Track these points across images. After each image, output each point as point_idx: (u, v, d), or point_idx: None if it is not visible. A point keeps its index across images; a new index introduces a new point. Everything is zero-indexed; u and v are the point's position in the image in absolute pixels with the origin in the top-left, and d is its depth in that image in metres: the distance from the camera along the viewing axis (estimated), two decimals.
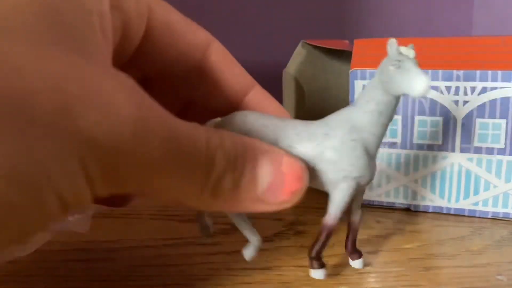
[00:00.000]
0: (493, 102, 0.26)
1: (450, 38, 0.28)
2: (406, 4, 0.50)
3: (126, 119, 0.12)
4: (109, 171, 0.12)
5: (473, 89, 0.26)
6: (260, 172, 0.15)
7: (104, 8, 0.14)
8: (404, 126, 0.27)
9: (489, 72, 0.25)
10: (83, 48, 0.13)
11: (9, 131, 0.11)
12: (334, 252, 0.23)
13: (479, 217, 0.27)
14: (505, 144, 0.26)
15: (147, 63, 0.18)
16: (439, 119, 0.27)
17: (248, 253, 0.20)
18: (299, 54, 0.32)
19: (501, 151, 0.26)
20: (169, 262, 0.22)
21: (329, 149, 0.18)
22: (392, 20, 0.50)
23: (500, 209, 0.27)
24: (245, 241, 0.21)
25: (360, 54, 0.29)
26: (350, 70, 0.28)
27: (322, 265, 0.19)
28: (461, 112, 0.26)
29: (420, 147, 0.27)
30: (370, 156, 0.19)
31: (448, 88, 0.26)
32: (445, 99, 0.26)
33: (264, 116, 0.19)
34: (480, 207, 0.27)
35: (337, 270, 0.21)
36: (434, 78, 0.26)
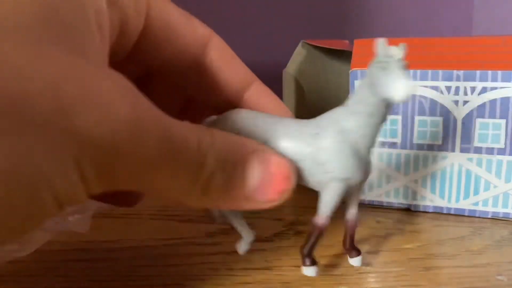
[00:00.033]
0: (493, 102, 0.26)
1: (450, 38, 0.28)
2: (406, 4, 0.50)
3: (123, 120, 0.12)
4: (104, 170, 0.12)
5: (473, 89, 0.26)
6: (249, 172, 0.15)
7: (102, 5, 0.14)
8: (404, 126, 0.27)
9: (489, 72, 0.25)
10: (81, 47, 0.13)
11: (8, 131, 0.11)
12: (333, 252, 0.23)
13: (479, 217, 0.27)
14: (505, 144, 0.26)
15: (145, 59, 0.18)
16: (439, 119, 0.27)
17: (242, 247, 0.21)
18: (299, 54, 0.32)
19: (501, 151, 0.26)
20: (169, 262, 0.22)
21: (318, 149, 0.18)
22: (392, 20, 0.50)
23: (500, 209, 0.27)
24: None
25: (360, 54, 0.29)
26: (350, 70, 0.28)
27: (313, 262, 0.19)
28: (461, 112, 0.26)
29: (420, 147, 0.27)
30: (361, 157, 0.18)
31: (448, 88, 0.26)
32: (445, 99, 0.26)
33: (257, 114, 0.19)
34: (480, 207, 0.27)
35: (337, 270, 0.21)
36: (434, 78, 0.26)
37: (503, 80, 0.25)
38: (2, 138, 0.11)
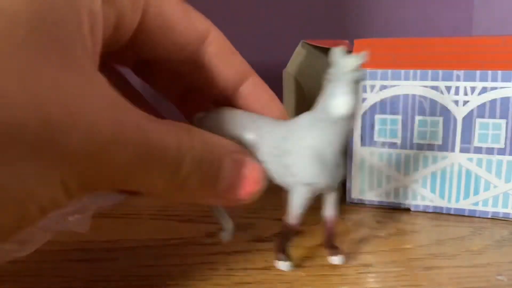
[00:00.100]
0: (493, 102, 0.26)
1: (450, 38, 0.28)
2: (406, 4, 0.50)
3: (105, 140, 0.13)
4: (87, 181, 0.13)
5: (473, 89, 0.26)
6: (222, 173, 0.16)
7: (96, 5, 0.15)
8: (404, 126, 0.27)
9: (489, 72, 0.25)
10: (70, 56, 0.13)
11: None
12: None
13: (479, 217, 0.27)
14: (505, 144, 0.26)
15: (142, 50, 0.18)
16: (439, 119, 0.27)
17: (225, 237, 0.22)
18: (299, 54, 0.32)
19: (501, 151, 0.26)
20: (169, 262, 0.22)
21: (284, 153, 0.18)
22: (392, 20, 0.50)
23: (500, 209, 0.27)
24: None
25: None
26: None
27: (287, 258, 0.20)
28: (461, 112, 0.26)
29: (420, 147, 0.27)
30: (326, 163, 0.18)
31: (448, 88, 0.26)
32: (445, 99, 0.26)
33: (240, 114, 0.20)
34: (480, 207, 0.27)
35: (337, 270, 0.21)
36: (434, 78, 0.26)
37: (503, 80, 0.25)
38: None
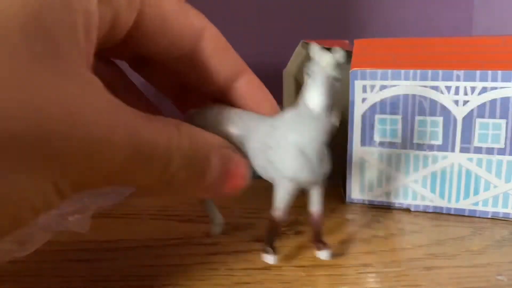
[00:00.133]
0: (493, 102, 0.26)
1: (450, 38, 0.28)
2: (406, 4, 0.50)
3: (99, 139, 0.13)
4: (78, 181, 0.14)
5: (473, 89, 0.26)
6: (210, 169, 0.17)
7: (91, 4, 0.15)
8: (404, 126, 0.27)
9: (489, 72, 0.25)
10: (64, 58, 0.13)
11: None
12: (334, 252, 0.23)
13: (479, 217, 0.27)
14: (505, 144, 0.26)
15: (138, 47, 0.19)
16: (439, 119, 0.27)
17: (215, 230, 0.23)
18: (299, 54, 0.32)
19: (501, 151, 0.26)
20: (169, 262, 0.22)
21: (268, 148, 0.19)
22: (392, 20, 0.50)
23: (500, 209, 0.27)
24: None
25: (360, 54, 0.29)
26: (350, 70, 0.28)
27: (274, 251, 0.20)
28: (461, 112, 0.26)
29: (420, 147, 0.27)
30: (309, 159, 0.18)
31: (448, 88, 0.26)
32: (445, 99, 0.26)
33: (228, 111, 0.20)
34: (480, 207, 0.27)
35: (337, 270, 0.21)
36: (434, 78, 0.26)
37: (503, 80, 0.25)
38: None
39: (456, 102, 0.26)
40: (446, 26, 0.50)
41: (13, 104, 0.12)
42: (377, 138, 0.28)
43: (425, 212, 0.28)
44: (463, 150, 0.27)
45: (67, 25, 0.14)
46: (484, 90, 0.26)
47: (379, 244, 0.24)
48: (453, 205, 0.28)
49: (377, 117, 0.28)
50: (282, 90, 0.33)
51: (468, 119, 0.26)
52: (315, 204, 0.21)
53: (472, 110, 0.26)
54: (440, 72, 0.26)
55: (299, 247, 0.24)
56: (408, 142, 0.28)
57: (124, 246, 0.24)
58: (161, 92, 0.23)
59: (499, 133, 0.26)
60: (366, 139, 0.28)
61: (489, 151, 0.26)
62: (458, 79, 0.26)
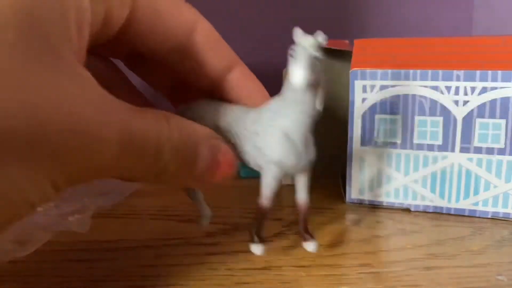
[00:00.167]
0: (493, 102, 0.26)
1: (450, 38, 0.28)
2: (406, 4, 0.50)
3: (92, 134, 0.14)
4: (73, 175, 0.14)
5: (473, 89, 0.26)
6: (199, 159, 0.17)
7: (84, 3, 0.15)
8: (404, 126, 0.27)
9: (489, 72, 0.25)
10: (57, 55, 0.14)
11: None
12: (334, 252, 0.23)
13: (479, 217, 0.27)
14: (505, 144, 0.26)
15: (131, 42, 0.19)
16: (439, 119, 0.27)
17: (203, 222, 0.23)
18: None
19: (501, 151, 0.26)
20: (169, 262, 0.22)
21: (254, 134, 0.19)
22: (392, 20, 0.50)
23: (500, 209, 0.27)
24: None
25: (360, 54, 0.29)
26: (350, 70, 0.28)
27: (261, 241, 0.20)
28: (461, 112, 0.26)
29: (420, 147, 0.27)
30: (294, 143, 0.19)
31: (448, 88, 0.26)
32: (445, 99, 0.26)
33: (217, 104, 0.21)
34: (480, 207, 0.27)
35: (337, 270, 0.21)
36: (434, 78, 0.26)
37: (503, 80, 0.25)
38: None
39: (456, 102, 0.26)
40: (446, 26, 0.50)
41: (8, 103, 0.12)
42: (377, 138, 0.28)
43: (425, 212, 0.28)
44: (463, 150, 0.27)
45: (59, 22, 0.14)
46: (484, 90, 0.26)
47: (379, 244, 0.24)
48: (453, 205, 0.28)
49: (377, 117, 0.28)
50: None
51: (468, 119, 0.26)
52: (301, 192, 0.21)
53: (472, 110, 0.26)
54: (440, 72, 0.26)
55: (299, 247, 0.24)
56: (408, 142, 0.28)
57: (124, 246, 0.24)
58: (156, 89, 0.23)
59: (499, 133, 0.26)
60: (366, 139, 0.28)
61: (489, 151, 0.26)
62: (458, 79, 0.26)
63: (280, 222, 0.27)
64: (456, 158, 0.27)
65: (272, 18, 0.48)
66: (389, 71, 0.27)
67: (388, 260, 0.22)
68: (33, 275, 0.21)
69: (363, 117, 0.28)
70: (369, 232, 0.26)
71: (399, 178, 0.28)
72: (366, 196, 0.29)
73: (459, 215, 0.28)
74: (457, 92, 0.26)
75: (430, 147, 0.27)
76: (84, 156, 0.14)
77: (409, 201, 0.29)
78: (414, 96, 0.27)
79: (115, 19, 0.17)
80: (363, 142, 0.28)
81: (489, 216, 0.27)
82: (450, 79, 0.26)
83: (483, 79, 0.25)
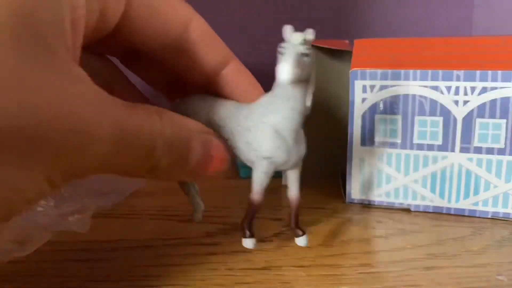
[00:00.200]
0: (493, 102, 0.26)
1: (450, 38, 0.28)
2: (406, 4, 0.50)
3: (87, 132, 0.14)
4: (69, 172, 0.14)
5: (473, 89, 0.26)
6: (191, 153, 0.18)
7: (78, 1, 0.15)
8: (404, 126, 0.27)
9: (489, 72, 0.25)
10: (52, 54, 0.14)
11: None
12: (334, 252, 0.23)
13: (479, 217, 0.27)
14: (505, 144, 0.26)
15: (127, 38, 0.19)
16: (439, 119, 0.27)
17: (197, 217, 0.23)
18: None
19: (501, 151, 0.26)
20: (169, 262, 0.22)
21: (246, 130, 0.19)
22: (392, 20, 0.50)
23: (500, 209, 0.27)
24: None
25: (360, 54, 0.29)
26: (350, 70, 0.28)
27: (252, 235, 0.20)
28: (461, 112, 0.26)
29: (420, 147, 0.27)
30: (283, 139, 0.19)
31: (448, 88, 0.26)
32: (445, 99, 0.26)
33: (210, 99, 0.21)
34: (480, 207, 0.27)
35: (337, 270, 0.21)
36: (434, 78, 0.26)
37: (503, 80, 0.25)
38: None
39: (456, 102, 0.26)
40: (446, 26, 0.50)
41: (5, 103, 0.12)
42: (377, 138, 0.28)
43: (425, 212, 0.28)
44: (463, 150, 0.27)
45: (55, 21, 0.14)
46: (484, 90, 0.26)
47: (379, 244, 0.24)
48: (453, 205, 0.28)
49: (378, 117, 0.28)
50: None
51: (468, 119, 0.26)
52: (292, 187, 0.22)
53: (472, 110, 0.26)
54: (440, 72, 0.26)
55: (299, 247, 0.24)
56: (408, 142, 0.28)
57: (124, 246, 0.24)
58: (152, 86, 0.23)
59: (499, 133, 0.26)
60: (366, 139, 0.28)
61: (489, 151, 0.26)
62: (458, 79, 0.26)
63: (280, 222, 0.27)
64: (456, 158, 0.27)
65: (272, 18, 0.48)
66: (389, 71, 0.27)
67: (388, 260, 0.22)
68: (33, 275, 0.21)
69: (363, 117, 0.28)
70: (369, 232, 0.26)
71: (399, 178, 0.28)
72: (366, 196, 0.29)
73: (459, 215, 0.28)
74: (457, 92, 0.26)
75: (430, 147, 0.27)
76: (79, 153, 0.14)
77: (409, 201, 0.29)
78: (414, 96, 0.27)
79: (111, 16, 0.17)
80: (363, 142, 0.28)
81: (489, 216, 0.27)
82: (450, 79, 0.26)
83: (483, 79, 0.25)
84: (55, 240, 0.24)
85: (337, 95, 0.33)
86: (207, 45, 0.20)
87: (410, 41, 0.29)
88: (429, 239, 0.25)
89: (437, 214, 0.28)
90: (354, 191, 0.29)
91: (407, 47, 0.28)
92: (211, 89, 0.21)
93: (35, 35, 0.13)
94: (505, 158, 0.26)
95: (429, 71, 0.26)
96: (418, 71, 0.27)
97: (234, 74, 0.21)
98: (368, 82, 0.27)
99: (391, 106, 0.27)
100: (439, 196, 0.28)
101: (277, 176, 0.22)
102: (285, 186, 0.23)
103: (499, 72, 0.25)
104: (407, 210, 0.29)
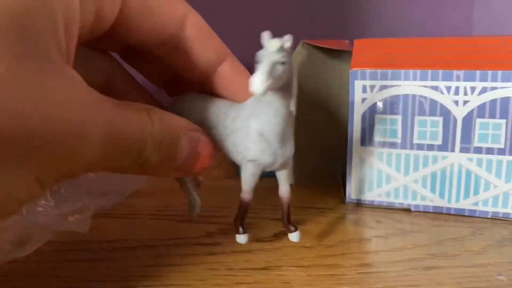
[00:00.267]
0: (493, 102, 0.26)
1: (450, 38, 0.28)
2: (406, 4, 0.50)
3: (78, 135, 0.14)
4: (59, 173, 0.15)
5: (473, 89, 0.26)
6: (179, 150, 0.18)
7: (72, 3, 0.15)
8: (404, 126, 0.27)
9: (489, 72, 0.25)
10: (44, 57, 0.14)
11: None
12: (334, 252, 0.23)
13: (479, 217, 0.27)
14: (505, 144, 0.26)
15: (123, 36, 0.19)
16: (439, 119, 0.27)
17: (195, 212, 0.24)
18: (299, 54, 0.32)
19: (501, 151, 0.26)
20: (169, 262, 0.22)
21: (231, 132, 0.20)
22: (392, 20, 0.50)
23: (500, 209, 0.27)
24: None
25: (360, 54, 0.29)
26: (350, 70, 0.28)
27: (245, 231, 0.21)
28: (461, 112, 0.26)
29: (420, 147, 0.27)
30: (268, 142, 0.19)
31: (448, 88, 0.26)
32: (445, 99, 0.26)
33: (204, 98, 0.21)
34: (480, 207, 0.27)
35: (337, 270, 0.21)
36: (434, 78, 0.26)
37: (503, 80, 0.25)
38: None
39: (456, 102, 0.26)
40: (446, 26, 0.50)
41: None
42: (377, 138, 0.28)
43: (425, 212, 0.28)
44: (463, 150, 0.27)
45: (46, 25, 0.14)
46: (484, 90, 0.26)
47: (379, 244, 0.24)
48: (453, 205, 0.28)
49: (377, 117, 0.28)
50: None
51: (468, 119, 0.26)
52: (283, 186, 0.22)
53: (472, 110, 0.26)
54: (440, 72, 0.26)
55: (299, 247, 0.24)
56: (408, 142, 0.28)
57: (124, 246, 0.24)
58: (153, 82, 0.23)
59: (499, 133, 0.26)
60: (366, 139, 0.28)
61: (489, 151, 0.26)
62: (458, 79, 0.26)
63: (280, 222, 0.27)
64: (456, 158, 0.27)
65: (272, 18, 0.48)
66: (389, 71, 0.27)
67: (388, 260, 0.22)
68: (33, 275, 0.21)
69: (363, 117, 0.28)
70: (369, 232, 0.26)
71: (399, 178, 0.28)
72: (366, 196, 0.29)
73: (459, 215, 0.28)
74: (457, 92, 0.26)
75: (430, 147, 0.27)
76: (70, 155, 0.14)
77: (409, 201, 0.29)
78: (414, 96, 0.27)
79: (107, 15, 0.17)
80: (363, 142, 0.28)
81: (489, 216, 0.27)
82: (450, 79, 0.26)
83: (483, 79, 0.25)
84: (55, 240, 0.24)
85: (337, 95, 0.33)
86: (203, 42, 0.20)
87: (410, 41, 0.29)
88: (429, 239, 0.25)
89: (437, 214, 0.28)
90: (354, 191, 0.29)
91: (407, 47, 0.28)
92: (207, 86, 0.21)
93: (27, 39, 0.13)
94: (505, 158, 0.26)
95: (429, 71, 0.26)
96: (418, 71, 0.27)
97: (230, 71, 0.21)
98: (368, 82, 0.27)
99: (391, 106, 0.27)
100: (439, 196, 0.28)
101: (274, 176, 0.22)
102: None
103: (499, 72, 0.25)
104: (407, 210, 0.29)
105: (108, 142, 0.15)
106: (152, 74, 0.23)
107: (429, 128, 0.27)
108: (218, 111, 0.20)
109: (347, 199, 0.30)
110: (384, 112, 0.28)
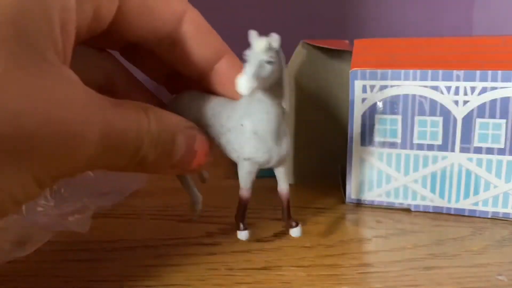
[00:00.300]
0: (493, 102, 0.26)
1: (450, 38, 0.28)
2: (406, 4, 0.50)
3: (75, 135, 0.14)
4: (57, 173, 0.15)
5: (473, 89, 0.26)
6: (176, 148, 0.18)
7: (69, 3, 0.15)
8: (404, 126, 0.27)
9: (489, 72, 0.25)
10: (41, 58, 0.14)
11: None
12: (334, 252, 0.23)
13: (479, 217, 0.27)
14: (505, 144, 0.26)
15: (122, 34, 0.19)
16: (439, 119, 0.27)
17: (197, 208, 0.24)
18: (299, 54, 0.32)
19: (501, 151, 0.26)
20: (169, 262, 0.22)
21: (226, 130, 0.20)
22: (392, 20, 0.50)
23: (500, 209, 0.27)
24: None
25: (360, 54, 0.29)
26: (350, 70, 0.28)
27: (245, 228, 0.21)
28: (461, 112, 0.26)
29: (420, 147, 0.27)
30: (262, 140, 0.19)
31: (448, 88, 0.26)
32: (445, 99, 0.26)
33: (202, 97, 0.21)
34: (480, 207, 0.27)
35: (337, 270, 0.21)
36: (434, 78, 0.26)
37: (503, 80, 0.25)
38: None
39: (456, 102, 0.26)
40: (446, 26, 0.50)
41: None
42: (377, 138, 0.28)
43: (425, 212, 0.28)
44: (463, 150, 0.27)
45: (43, 25, 0.14)
46: (484, 90, 0.26)
47: (379, 244, 0.24)
48: (453, 205, 0.28)
49: (377, 117, 0.28)
50: None
51: (468, 119, 0.26)
52: (281, 182, 0.22)
53: (472, 110, 0.26)
54: (440, 72, 0.26)
55: (299, 247, 0.24)
56: (408, 142, 0.28)
57: (124, 246, 0.24)
58: (153, 79, 0.23)
59: (499, 133, 0.26)
60: (366, 139, 0.28)
61: (489, 151, 0.26)
62: (458, 79, 0.26)
63: (280, 222, 0.27)
64: (456, 158, 0.27)
65: (272, 18, 0.48)
66: (389, 71, 0.27)
67: (388, 260, 0.22)
68: (33, 275, 0.21)
69: (363, 117, 0.28)
70: (369, 232, 0.26)
71: (399, 178, 0.28)
72: (366, 196, 0.29)
73: (459, 215, 0.28)
74: (457, 92, 0.26)
75: (430, 147, 0.27)
76: (68, 155, 0.14)
77: (409, 201, 0.29)
78: (414, 96, 0.27)
79: (105, 14, 0.17)
80: (363, 142, 0.28)
81: (489, 216, 0.27)
82: (450, 79, 0.26)
83: (483, 79, 0.25)
84: (55, 240, 0.24)
85: (337, 95, 0.33)
86: (201, 39, 0.20)
87: (410, 41, 0.29)
88: (429, 239, 0.25)
89: (437, 214, 0.28)
90: (354, 191, 0.29)
91: (407, 47, 0.28)
92: (205, 83, 0.21)
93: (23, 37, 0.13)
94: (505, 158, 0.26)
95: (429, 71, 0.26)
96: (418, 71, 0.27)
97: (228, 67, 0.21)
98: (368, 82, 0.27)
99: (391, 106, 0.27)
100: (439, 196, 0.28)
101: (273, 175, 0.22)
102: None
103: (499, 72, 0.25)
104: (407, 210, 0.29)
105: (105, 141, 0.15)
106: (152, 71, 0.23)
107: (429, 128, 0.27)
108: (213, 109, 0.21)
109: (347, 199, 0.30)
110: (384, 112, 0.28)
